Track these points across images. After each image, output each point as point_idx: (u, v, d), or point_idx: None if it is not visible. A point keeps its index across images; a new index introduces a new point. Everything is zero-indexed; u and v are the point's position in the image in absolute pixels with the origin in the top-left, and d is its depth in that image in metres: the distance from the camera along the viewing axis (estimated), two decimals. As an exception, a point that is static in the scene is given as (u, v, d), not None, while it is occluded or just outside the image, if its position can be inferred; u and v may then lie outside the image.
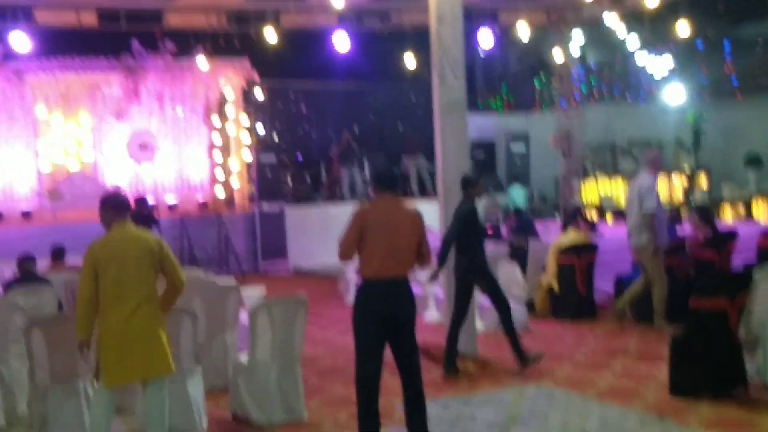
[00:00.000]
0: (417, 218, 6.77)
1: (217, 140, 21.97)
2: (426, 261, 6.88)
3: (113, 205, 6.51)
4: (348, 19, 18.39)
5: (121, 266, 6.28)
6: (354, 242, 6.55)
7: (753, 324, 7.86)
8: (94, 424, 6.42)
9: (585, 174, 21.54)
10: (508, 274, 13.09)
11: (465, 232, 9.30)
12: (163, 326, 6.48)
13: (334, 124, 24.82)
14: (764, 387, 7.80)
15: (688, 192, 22.80)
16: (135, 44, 20.31)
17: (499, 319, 9.66)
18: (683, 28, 17.90)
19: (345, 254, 6.64)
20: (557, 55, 20.66)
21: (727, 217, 20.27)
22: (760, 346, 7.84)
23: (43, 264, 12.12)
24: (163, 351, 6.41)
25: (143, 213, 15.18)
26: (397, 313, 6.56)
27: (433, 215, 9.32)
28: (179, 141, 21.68)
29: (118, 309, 6.27)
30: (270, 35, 17.91)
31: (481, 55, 24.03)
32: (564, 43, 20.32)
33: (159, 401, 6.48)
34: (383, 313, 6.51)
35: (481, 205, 21.50)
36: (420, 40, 14.22)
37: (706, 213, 12.23)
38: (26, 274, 10.18)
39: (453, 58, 9.82)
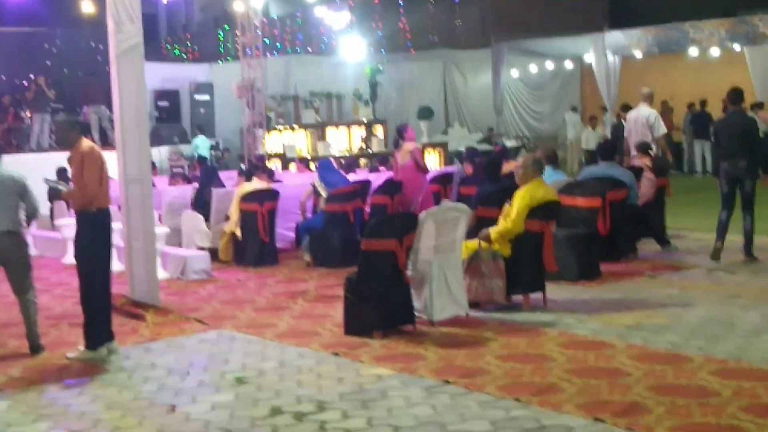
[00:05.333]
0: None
1: None
2: None
3: None
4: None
5: None
6: (101, 179, 7.73)
7: (419, 263, 8.37)
8: None
9: (269, 124, 21.79)
10: (191, 223, 13.14)
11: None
12: None
13: (9, 71, 23.48)
14: (429, 322, 8.33)
15: (366, 142, 23.72)
16: None
17: (744, 224, 10.79)
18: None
19: (96, 191, 7.71)
20: (240, 6, 20.68)
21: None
22: (426, 283, 8.36)
23: None
24: None
25: None
26: None
27: (113, 164, 9.13)
28: None
29: None
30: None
31: (164, 2, 23.56)
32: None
33: None
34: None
35: (165, 154, 21.36)
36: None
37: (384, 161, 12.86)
38: None
39: (129, 2, 9.57)
